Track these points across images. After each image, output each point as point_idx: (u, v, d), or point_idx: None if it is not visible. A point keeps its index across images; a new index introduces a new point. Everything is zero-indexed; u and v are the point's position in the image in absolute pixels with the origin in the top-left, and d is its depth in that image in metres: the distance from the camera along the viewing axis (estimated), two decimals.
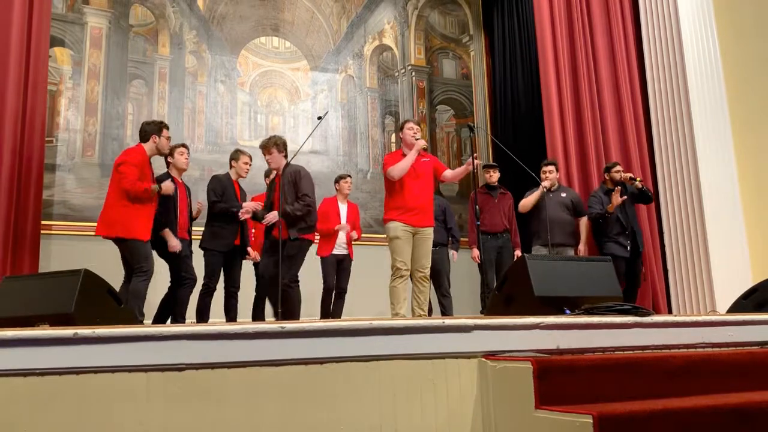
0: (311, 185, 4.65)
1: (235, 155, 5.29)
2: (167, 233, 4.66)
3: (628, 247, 5.71)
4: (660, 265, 6.67)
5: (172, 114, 6.91)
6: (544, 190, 5.83)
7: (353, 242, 6.03)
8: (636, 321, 2.65)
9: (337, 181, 6.12)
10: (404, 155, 4.69)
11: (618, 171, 5.87)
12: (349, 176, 6.18)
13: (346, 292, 5.96)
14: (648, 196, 5.84)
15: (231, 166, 5.26)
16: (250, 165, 5.31)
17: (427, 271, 4.65)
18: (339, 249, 5.90)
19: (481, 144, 8.49)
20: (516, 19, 8.31)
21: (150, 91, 6.88)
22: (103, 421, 1.87)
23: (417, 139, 4.71)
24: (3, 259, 4.92)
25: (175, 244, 4.66)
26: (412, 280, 4.68)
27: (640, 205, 6.32)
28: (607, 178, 5.95)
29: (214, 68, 7.30)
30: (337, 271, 5.92)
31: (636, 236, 5.79)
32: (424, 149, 4.72)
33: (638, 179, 5.79)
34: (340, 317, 5.81)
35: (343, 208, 6.01)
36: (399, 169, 4.57)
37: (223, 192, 5.03)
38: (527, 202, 5.93)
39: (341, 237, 5.90)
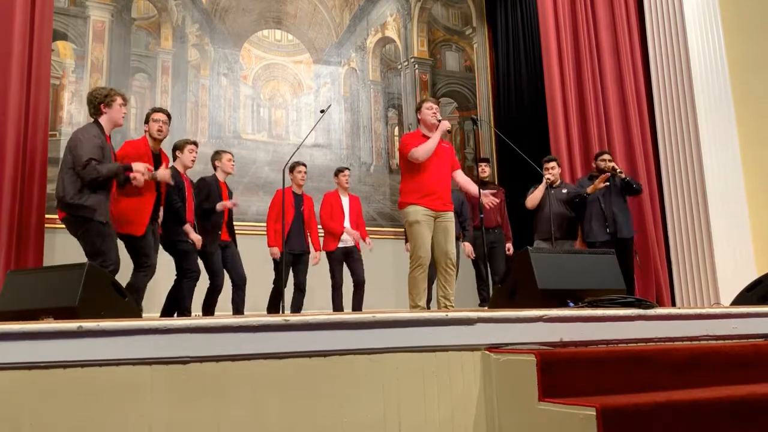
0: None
1: (217, 156, 5.42)
2: (188, 228, 4.77)
3: (608, 230, 5.67)
4: (664, 257, 6.67)
5: (175, 108, 6.90)
6: (547, 183, 5.86)
7: (362, 244, 6.02)
8: (639, 314, 2.65)
9: (335, 174, 6.12)
10: (424, 135, 4.44)
11: (603, 160, 5.85)
12: (348, 169, 6.14)
13: (364, 283, 5.89)
14: (633, 188, 5.76)
15: (215, 167, 5.38)
16: (233, 161, 5.45)
17: (454, 258, 4.39)
18: (345, 242, 5.88)
19: (484, 137, 8.47)
20: (519, 11, 8.28)
21: (153, 84, 6.88)
22: (107, 414, 1.87)
23: (439, 120, 4.43)
24: (7, 253, 4.93)
25: (196, 238, 4.78)
26: (436, 268, 4.45)
27: (642, 196, 6.31)
28: (594, 166, 5.98)
29: (216, 61, 7.29)
30: (349, 264, 5.91)
31: (618, 222, 5.69)
32: (449, 131, 4.45)
33: (620, 170, 5.73)
34: (360, 310, 5.80)
35: (345, 201, 6.00)
36: (424, 151, 4.30)
37: (208, 193, 5.18)
38: (533, 198, 5.95)
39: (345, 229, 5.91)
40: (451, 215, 4.42)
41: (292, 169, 5.78)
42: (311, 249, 5.82)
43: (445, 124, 4.41)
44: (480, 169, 6.22)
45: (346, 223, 5.91)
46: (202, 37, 7.25)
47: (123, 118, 4.16)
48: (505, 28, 8.53)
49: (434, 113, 4.49)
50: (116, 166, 3.92)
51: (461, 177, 4.63)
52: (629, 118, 6.87)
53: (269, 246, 5.54)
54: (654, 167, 6.85)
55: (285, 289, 5.52)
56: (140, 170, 3.88)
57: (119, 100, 4.07)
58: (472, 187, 4.61)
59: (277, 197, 5.68)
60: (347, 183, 6.05)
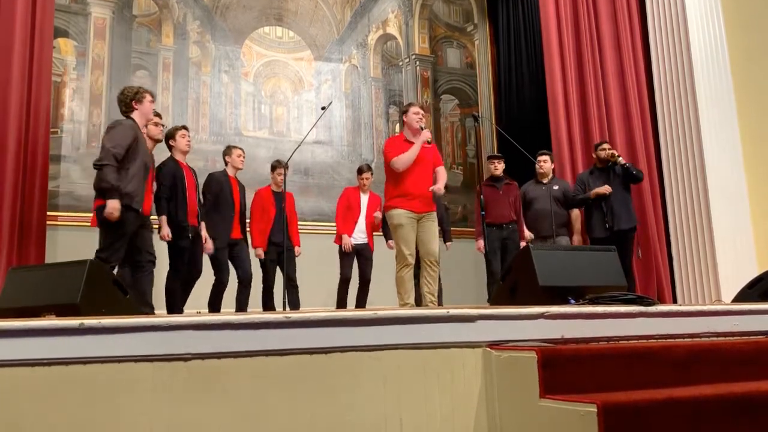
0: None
1: (227, 150, 5.44)
2: (162, 220, 4.61)
3: (607, 226, 5.63)
4: (665, 254, 6.65)
5: (176, 105, 6.91)
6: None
7: (374, 232, 6.04)
8: (641, 310, 2.65)
9: (357, 173, 6.17)
10: (406, 140, 4.56)
11: (603, 149, 5.83)
12: (369, 171, 6.14)
13: (369, 283, 5.94)
14: (632, 174, 5.69)
15: (226, 163, 5.41)
16: (243, 157, 5.44)
17: (437, 256, 4.51)
18: (358, 239, 5.92)
19: (485, 134, 8.46)
20: (521, 7, 8.26)
21: (154, 81, 6.87)
22: (109, 411, 1.88)
23: (422, 128, 4.54)
24: (9, 250, 4.94)
25: (165, 233, 4.60)
26: (419, 266, 4.56)
27: (643, 192, 6.29)
28: (595, 157, 5.96)
29: (217, 58, 7.28)
30: (359, 261, 5.95)
31: (616, 215, 5.63)
32: (428, 142, 4.54)
33: (619, 156, 5.72)
34: (364, 308, 5.82)
35: (364, 199, 6.06)
36: (403, 161, 4.44)
37: (219, 189, 5.20)
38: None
39: (360, 226, 5.93)
40: (433, 215, 4.56)
41: (273, 169, 5.79)
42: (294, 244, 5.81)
43: (426, 134, 4.50)
44: (492, 166, 6.10)
45: (362, 220, 5.97)
46: (203, 34, 7.25)
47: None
48: (506, 24, 8.51)
49: (420, 118, 4.60)
50: (117, 189, 3.87)
51: (438, 173, 4.64)
52: (630, 113, 6.85)
53: (255, 247, 5.56)
54: (655, 159, 6.83)
55: (275, 287, 5.57)
56: (112, 211, 3.84)
57: (149, 97, 4.23)
58: (437, 184, 4.59)
59: (257, 198, 5.73)
60: (365, 186, 6.08)
